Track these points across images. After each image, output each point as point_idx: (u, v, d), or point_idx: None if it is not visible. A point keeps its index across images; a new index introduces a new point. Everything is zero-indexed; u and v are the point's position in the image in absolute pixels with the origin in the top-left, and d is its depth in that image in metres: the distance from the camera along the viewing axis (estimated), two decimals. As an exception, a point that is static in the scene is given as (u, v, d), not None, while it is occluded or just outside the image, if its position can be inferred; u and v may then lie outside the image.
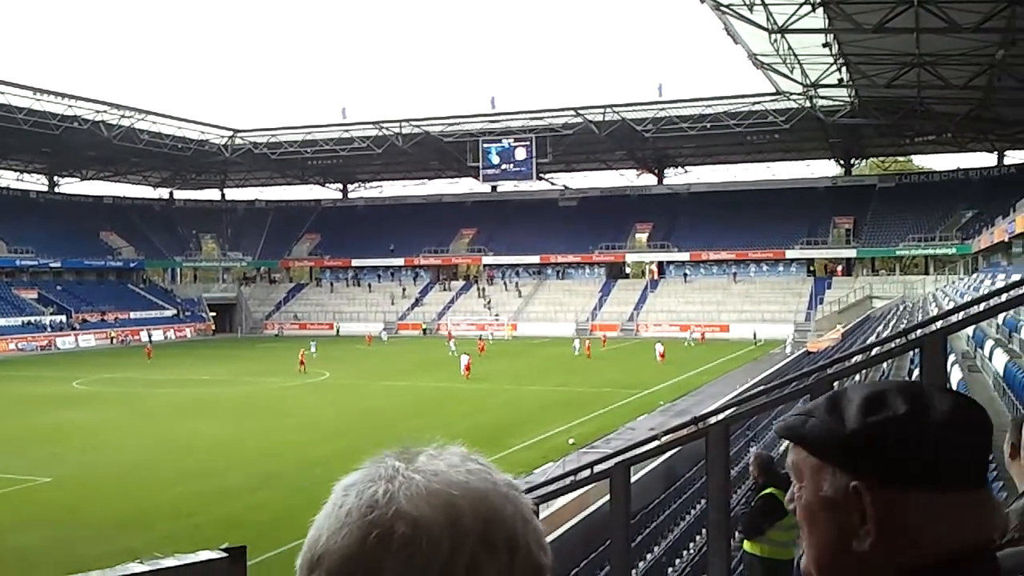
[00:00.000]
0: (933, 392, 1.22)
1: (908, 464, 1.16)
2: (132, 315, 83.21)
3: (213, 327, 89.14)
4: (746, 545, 9.29)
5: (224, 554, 1.77)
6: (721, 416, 6.90)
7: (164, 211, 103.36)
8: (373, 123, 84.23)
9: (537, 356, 60.92)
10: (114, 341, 77.15)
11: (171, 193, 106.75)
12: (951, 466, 1.17)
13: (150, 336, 76.30)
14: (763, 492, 8.98)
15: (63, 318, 78.01)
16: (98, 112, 74.53)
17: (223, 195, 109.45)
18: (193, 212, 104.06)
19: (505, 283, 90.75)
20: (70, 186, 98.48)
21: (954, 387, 14.16)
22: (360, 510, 0.93)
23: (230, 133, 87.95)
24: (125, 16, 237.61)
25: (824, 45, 40.53)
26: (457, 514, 0.93)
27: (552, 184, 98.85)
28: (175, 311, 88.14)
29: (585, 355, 58.62)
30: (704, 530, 12.63)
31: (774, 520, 8.79)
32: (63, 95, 70.98)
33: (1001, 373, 14.81)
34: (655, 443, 7.66)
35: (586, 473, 8.19)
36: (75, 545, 19.67)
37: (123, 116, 76.29)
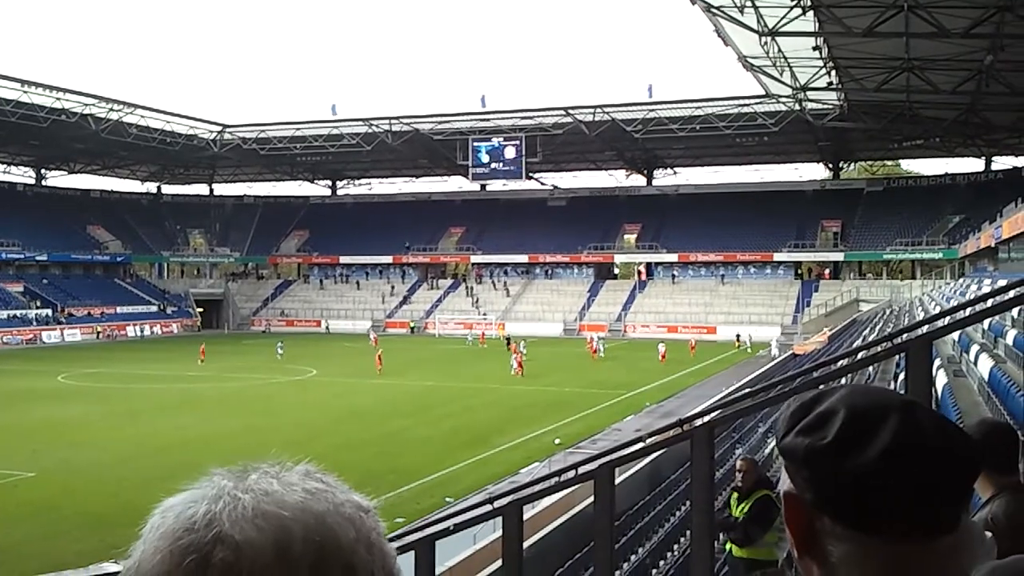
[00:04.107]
0: (896, 419, 1.09)
1: (822, 495, 1.10)
2: (118, 310, 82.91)
3: (199, 323, 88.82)
4: (733, 550, 9.27)
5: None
6: (706, 418, 6.88)
7: (152, 205, 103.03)
8: (363, 120, 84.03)
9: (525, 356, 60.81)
10: (100, 336, 76.84)
11: (159, 187, 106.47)
12: (870, 511, 1.06)
13: (151, 331, 75.72)
14: (758, 496, 8.91)
15: (49, 312, 77.72)
16: (86, 105, 74.20)
17: (211, 190, 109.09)
18: (181, 207, 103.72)
19: (493, 282, 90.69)
20: (57, 179, 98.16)
21: (939, 392, 14.19)
22: (175, 533, 0.85)
23: (219, 128, 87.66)
24: (114, 8, 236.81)
25: (814, 48, 40.62)
26: (287, 539, 0.84)
27: (541, 184, 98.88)
28: (162, 306, 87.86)
29: (591, 354, 57.94)
30: (688, 532, 12.62)
31: (771, 524, 8.75)
32: (51, 87, 70.59)
33: (986, 378, 14.85)
34: (640, 444, 7.63)
35: (571, 474, 8.15)
36: (57, 541, 19.59)
37: (111, 109, 75.95)
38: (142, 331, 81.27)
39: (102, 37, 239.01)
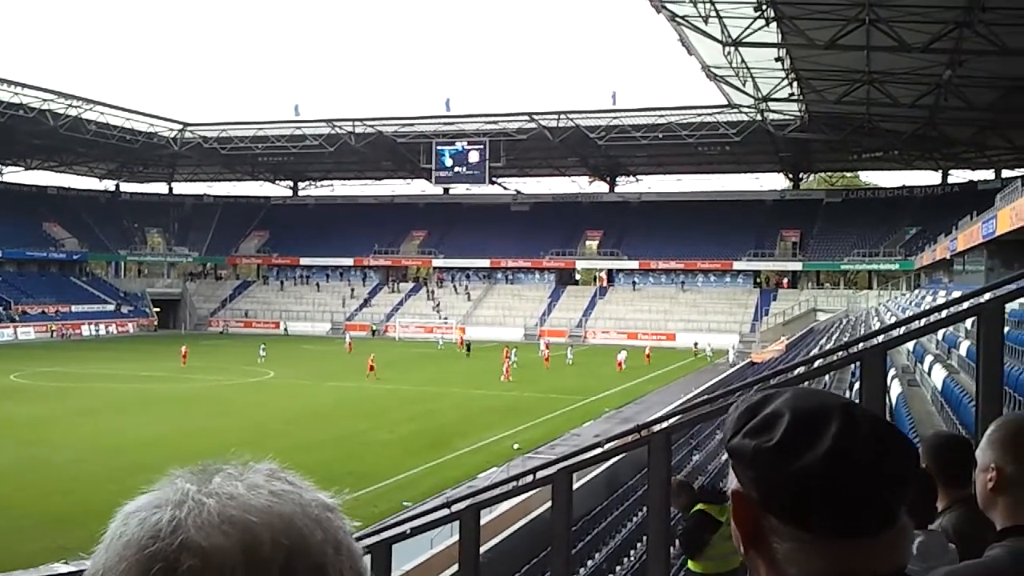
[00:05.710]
0: (837, 422, 1.13)
1: (768, 496, 1.14)
2: (73, 308, 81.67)
3: (156, 323, 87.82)
4: (690, 565, 9.28)
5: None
6: (664, 424, 6.94)
7: (110, 203, 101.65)
8: (326, 121, 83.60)
9: (486, 360, 60.75)
10: (54, 334, 75.75)
11: (117, 185, 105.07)
12: (813, 510, 1.10)
13: (106, 331, 74.48)
14: (694, 510, 8.95)
15: (1, 309, 76.41)
16: (44, 101, 73.09)
17: (171, 189, 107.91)
18: (139, 205, 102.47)
19: (455, 286, 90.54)
20: (13, 175, 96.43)
21: (893, 401, 14.36)
22: (140, 542, 0.82)
23: (179, 126, 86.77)
24: (74, 3, 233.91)
25: (776, 59, 41.00)
26: (254, 543, 0.82)
27: (504, 188, 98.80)
28: (118, 305, 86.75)
29: (543, 362, 56.97)
30: (645, 537, 12.67)
31: (711, 533, 8.77)
32: (9, 82, 69.53)
33: (939, 388, 15.04)
34: (598, 450, 7.68)
35: (529, 478, 8.16)
36: (7, 541, 19.27)
37: (70, 105, 74.96)
38: (97, 330, 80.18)
39: (62, 32, 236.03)
